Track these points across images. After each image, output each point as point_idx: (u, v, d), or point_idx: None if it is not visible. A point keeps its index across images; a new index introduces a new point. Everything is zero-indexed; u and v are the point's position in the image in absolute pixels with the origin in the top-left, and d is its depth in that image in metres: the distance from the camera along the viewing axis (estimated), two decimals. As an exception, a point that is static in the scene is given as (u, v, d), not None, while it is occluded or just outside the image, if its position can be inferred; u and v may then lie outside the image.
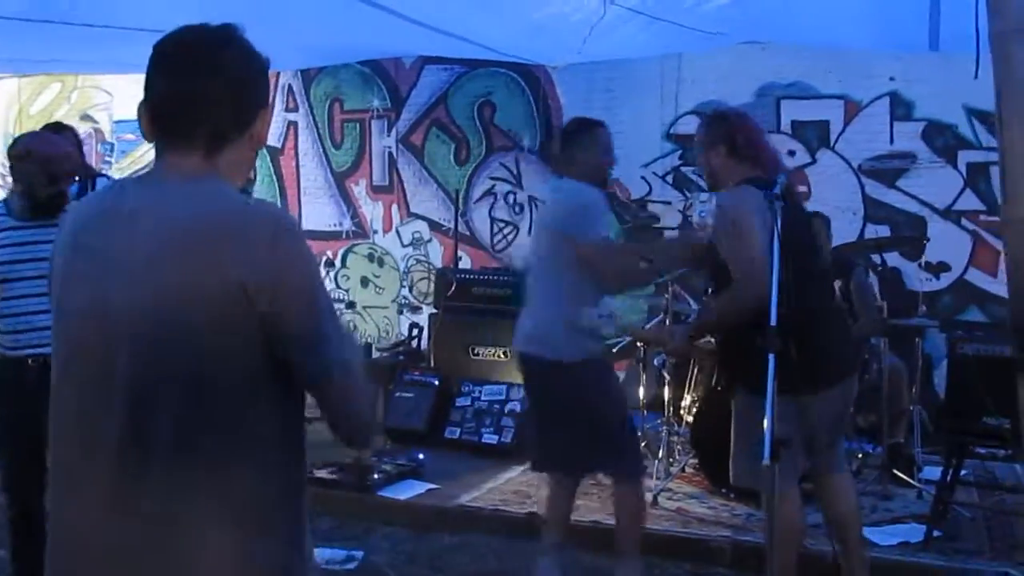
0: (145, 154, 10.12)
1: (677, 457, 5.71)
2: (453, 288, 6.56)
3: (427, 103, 9.39)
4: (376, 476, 5.38)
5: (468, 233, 9.16)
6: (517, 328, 4.11)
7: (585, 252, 3.91)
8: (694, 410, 5.48)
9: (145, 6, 5.11)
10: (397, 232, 9.55)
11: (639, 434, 5.64)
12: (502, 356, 6.39)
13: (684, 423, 5.73)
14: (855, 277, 6.29)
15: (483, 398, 6.27)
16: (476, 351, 6.47)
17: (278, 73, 9.97)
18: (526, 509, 5.03)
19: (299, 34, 7.21)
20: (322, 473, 5.41)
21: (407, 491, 5.33)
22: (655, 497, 5.14)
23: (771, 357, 3.18)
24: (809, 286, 3.47)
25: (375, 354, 8.52)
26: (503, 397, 6.22)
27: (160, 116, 1.73)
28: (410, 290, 9.34)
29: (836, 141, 7.97)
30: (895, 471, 5.36)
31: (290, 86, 9.99)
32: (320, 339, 1.67)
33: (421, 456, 5.72)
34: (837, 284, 6.13)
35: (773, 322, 3.10)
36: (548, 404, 4.08)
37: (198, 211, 1.65)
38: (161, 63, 1.73)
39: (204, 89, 1.71)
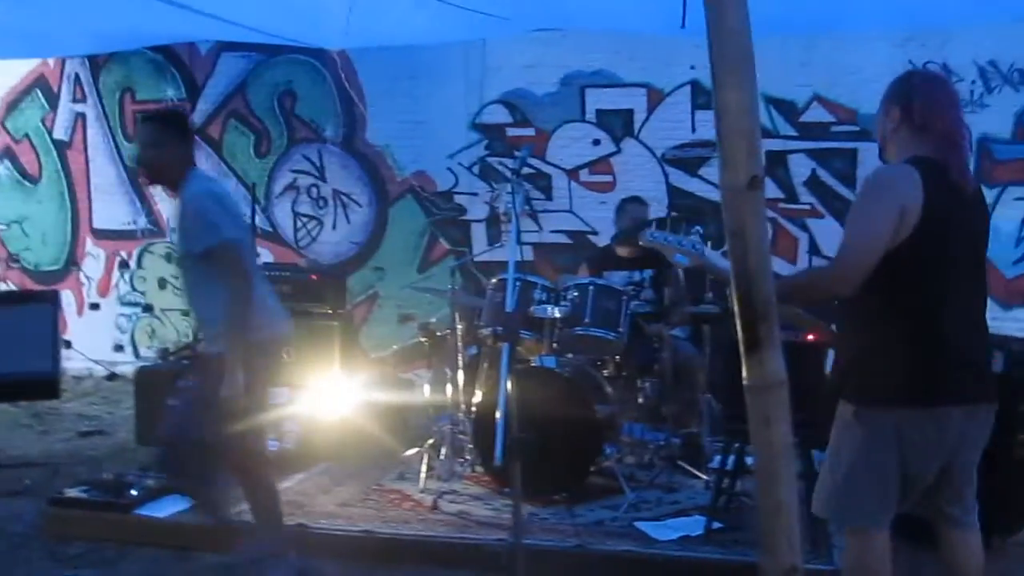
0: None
1: (467, 457, 5.43)
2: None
3: (225, 93, 8.91)
4: (135, 493, 4.89)
5: (270, 229, 8.73)
6: None
7: None
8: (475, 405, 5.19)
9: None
10: (196, 230, 8.99)
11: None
12: (285, 357, 5.95)
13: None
14: (673, 266, 6.16)
15: (265, 402, 5.83)
16: (259, 353, 6.02)
17: (63, 61, 9.29)
18: (296, 520, 4.64)
19: (82, 17, 6.64)
20: (73, 493, 4.90)
21: (169, 507, 4.85)
22: (435, 501, 4.84)
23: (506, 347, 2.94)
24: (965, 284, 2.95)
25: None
26: (285, 400, 5.79)
27: None
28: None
29: (640, 130, 7.90)
30: (679, 462, 5.23)
31: (77, 75, 9.32)
32: None
33: (191, 468, 5.25)
34: (649, 273, 6.01)
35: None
36: None
37: None
38: None
39: None
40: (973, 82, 7.29)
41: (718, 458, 5.31)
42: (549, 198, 8.08)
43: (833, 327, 3.46)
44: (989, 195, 7.32)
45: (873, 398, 2.85)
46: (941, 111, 2.91)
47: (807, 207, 7.59)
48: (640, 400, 5.57)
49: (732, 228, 2.27)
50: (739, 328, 2.33)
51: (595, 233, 7.86)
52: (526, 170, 8.06)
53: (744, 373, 2.35)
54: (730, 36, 2.22)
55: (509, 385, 2.91)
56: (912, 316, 2.81)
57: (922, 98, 2.92)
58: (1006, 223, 7.27)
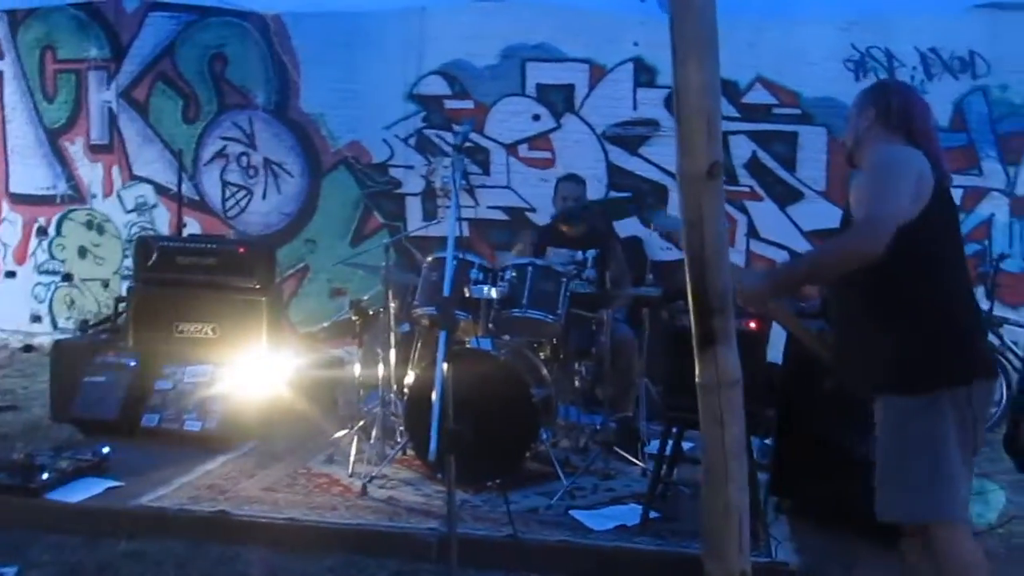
0: None
1: (398, 440, 5.25)
2: (155, 257, 5.82)
3: (152, 54, 8.55)
4: (46, 476, 4.63)
5: (197, 198, 8.41)
6: None
7: None
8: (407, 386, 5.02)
9: None
10: (119, 196, 8.67)
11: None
12: (210, 333, 5.74)
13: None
14: (615, 247, 6.05)
15: (187, 380, 5.60)
16: (180, 328, 5.78)
17: (-20, 15, 8.83)
18: (218, 507, 4.44)
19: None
20: (-17, 475, 4.63)
21: (82, 492, 4.61)
22: (364, 486, 4.67)
23: (443, 334, 2.78)
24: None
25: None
26: (209, 378, 5.58)
27: None
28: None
29: (581, 106, 7.75)
30: (615, 448, 5.13)
31: (-6, 30, 8.86)
32: None
33: (107, 450, 4.99)
34: (592, 254, 5.89)
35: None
36: None
37: None
38: None
39: None
40: (914, 68, 7.27)
41: (655, 444, 5.24)
42: (487, 173, 7.89)
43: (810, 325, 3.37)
44: (927, 182, 7.34)
45: (948, 379, 2.79)
46: (918, 112, 3.07)
47: (747, 189, 7.52)
48: (576, 383, 5.45)
49: (689, 217, 2.14)
50: (693, 322, 2.20)
51: (533, 210, 7.71)
52: (464, 144, 7.86)
53: (697, 370, 2.23)
54: (694, 11, 2.09)
55: (445, 374, 2.74)
56: (948, 294, 2.85)
57: (899, 100, 3.06)
58: (942, 211, 7.29)
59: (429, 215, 7.90)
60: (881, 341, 2.87)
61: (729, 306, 2.19)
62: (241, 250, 5.90)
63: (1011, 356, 6.64)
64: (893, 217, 2.69)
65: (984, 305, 6.77)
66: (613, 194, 7.62)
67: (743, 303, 2.85)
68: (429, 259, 5.20)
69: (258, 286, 5.80)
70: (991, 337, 6.63)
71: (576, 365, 5.49)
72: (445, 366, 2.79)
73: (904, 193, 2.74)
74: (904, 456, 2.81)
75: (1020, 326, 6.76)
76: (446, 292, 3.30)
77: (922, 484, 2.79)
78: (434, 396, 2.76)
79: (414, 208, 8.01)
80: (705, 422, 2.24)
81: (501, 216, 7.87)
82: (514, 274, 4.97)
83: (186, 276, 5.84)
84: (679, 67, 2.10)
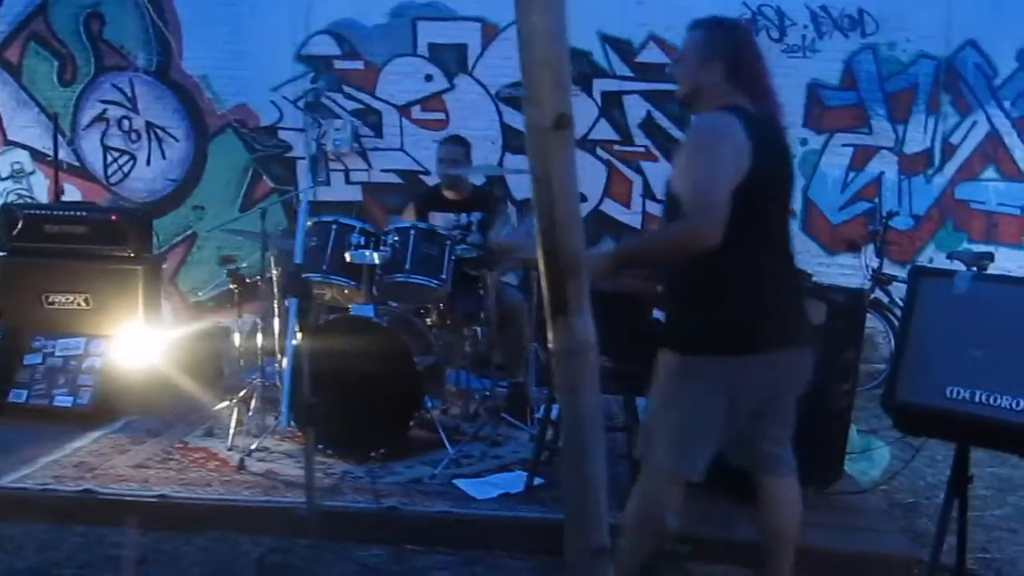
0: None
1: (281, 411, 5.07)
2: (20, 226, 5.51)
3: (24, 12, 8.09)
4: None
5: (77, 164, 8.04)
6: None
7: None
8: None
9: None
10: (-8, 163, 8.23)
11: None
12: (82, 304, 5.47)
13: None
14: (503, 209, 5.91)
15: (58, 354, 5.33)
16: (51, 299, 5.49)
17: None
18: (83, 486, 4.22)
19: None
20: None
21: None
22: (242, 460, 4.49)
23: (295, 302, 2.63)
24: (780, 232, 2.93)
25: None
26: (81, 352, 5.32)
27: None
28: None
29: (474, 66, 7.59)
30: (503, 414, 5.04)
31: None
32: None
33: (-31, 428, 4.75)
34: (477, 216, 5.74)
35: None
36: None
37: None
38: None
39: None
40: (805, 27, 7.29)
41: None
42: (379, 135, 7.71)
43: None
44: (817, 141, 7.38)
45: (705, 348, 2.79)
46: (763, 66, 2.91)
47: (642, 149, 7.48)
48: (467, 348, 5.34)
49: (537, 173, 2.02)
50: (545, 287, 2.09)
51: (427, 173, 7.55)
52: (354, 105, 7.66)
53: (549, 337, 2.12)
54: (533, -49, 1.95)
55: (299, 345, 2.59)
56: (739, 265, 2.74)
57: (749, 55, 2.90)
58: (833, 170, 7.35)
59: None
60: (671, 300, 2.95)
61: (582, 268, 2.08)
62: (113, 217, 5.61)
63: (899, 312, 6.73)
64: (724, 202, 2.63)
65: (874, 262, 6.86)
66: (508, 156, 7.50)
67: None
68: (308, 224, 5.01)
69: (133, 255, 5.54)
70: (879, 293, 6.72)
71: (465, 330, 5.36)
72: (300, 335, 2.64)
73: (728, 171, 2.66)
74: (654, 403, 2.95)
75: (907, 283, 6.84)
76: (296, 259, 3.13)
77: (654, 426, 2.92)
78: (285, 365, 2.60)
79: (305, 171, 7.77)
80: (560, 392, 2.14)
81: (395, 179, 7.70)
82: (396, 238, 4.81)
83: (55, 245, 5.53)
84: (521, 11, 1.97)
